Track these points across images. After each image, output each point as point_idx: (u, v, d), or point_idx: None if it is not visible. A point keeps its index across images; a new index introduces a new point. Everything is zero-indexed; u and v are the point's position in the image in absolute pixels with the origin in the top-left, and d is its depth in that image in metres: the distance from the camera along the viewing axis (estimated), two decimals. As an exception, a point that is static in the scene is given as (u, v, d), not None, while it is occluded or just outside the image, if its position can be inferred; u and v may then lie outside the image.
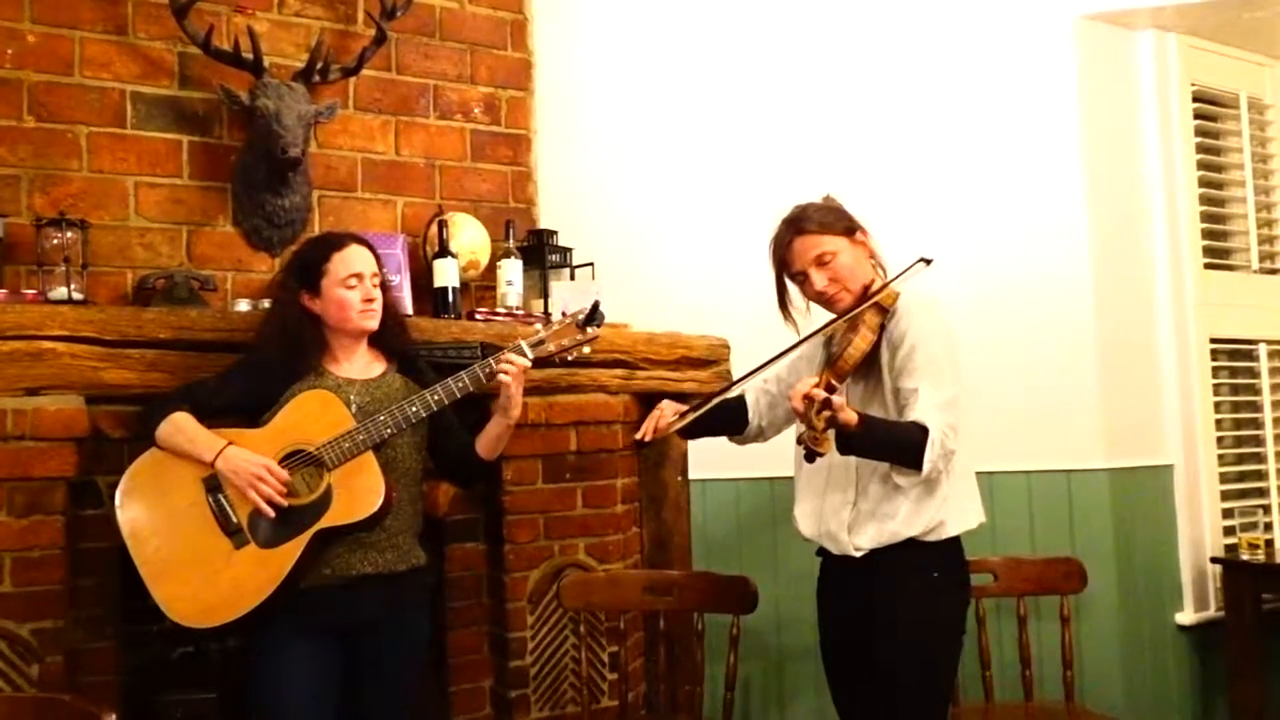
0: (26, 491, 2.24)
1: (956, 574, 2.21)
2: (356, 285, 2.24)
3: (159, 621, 2.13)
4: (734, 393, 2.41)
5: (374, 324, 2.29)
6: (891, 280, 2.19)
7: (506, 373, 2.24)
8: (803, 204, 2.27)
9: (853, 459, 2.13)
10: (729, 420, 2.46)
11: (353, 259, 2.25)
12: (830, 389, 1.95)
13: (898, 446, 2.05)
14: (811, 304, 2.30)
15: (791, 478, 2.34)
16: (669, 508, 3.21)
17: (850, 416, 1.92)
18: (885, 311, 2.15)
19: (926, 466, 2.01)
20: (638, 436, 2.33)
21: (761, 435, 2.50)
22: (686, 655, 2.95)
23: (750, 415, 2.46)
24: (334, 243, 2.29)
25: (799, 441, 1.92)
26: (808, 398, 1.87)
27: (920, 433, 2.01)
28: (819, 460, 2.00)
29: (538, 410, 2.81)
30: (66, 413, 2.26)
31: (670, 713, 3.01)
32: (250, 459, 2.12)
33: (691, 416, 2.29)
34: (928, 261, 2.16)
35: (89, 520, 2.35)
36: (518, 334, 2.58)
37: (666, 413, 2.32)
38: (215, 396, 2.23)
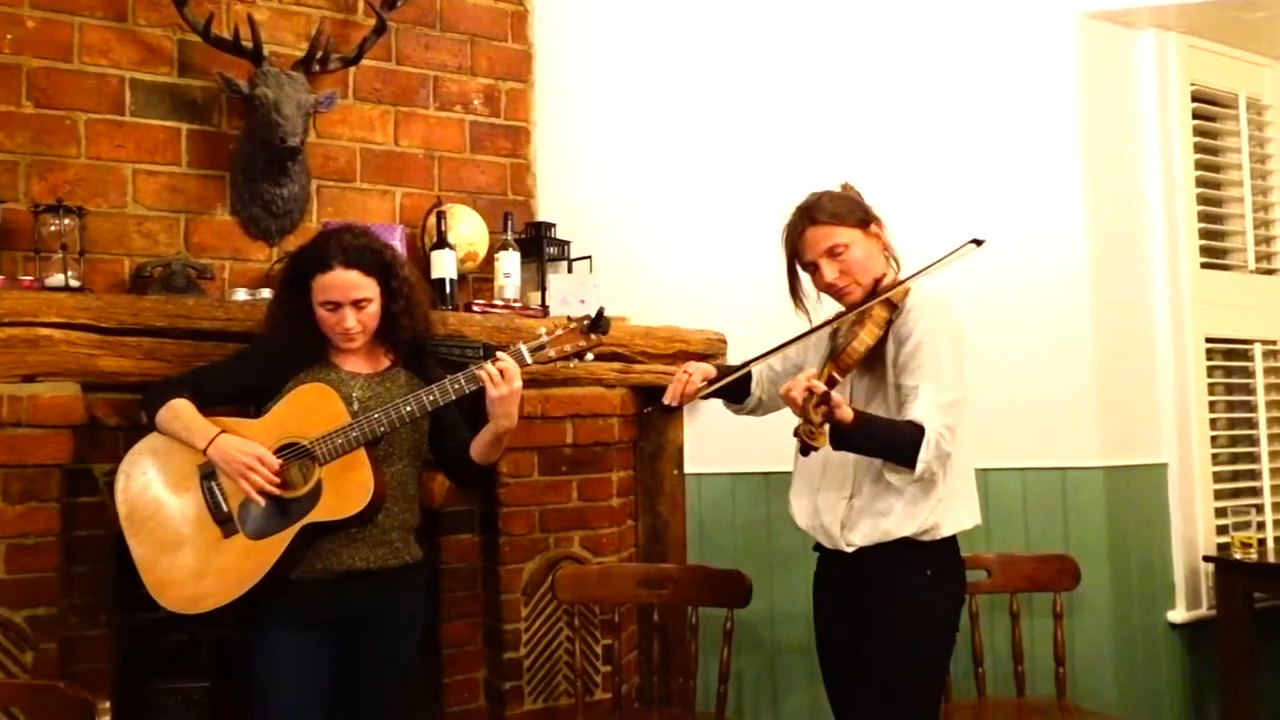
0: (22, 478, 2.25)
1: (950, 572, 2.21)
2: (334, 311, 2.19)
3: (153, 609, 2.13)
4: (757, 367, 2.37)
5: (351, 346, 2.25)
6: (939, 261, 2.12)
7: (492, 380, 2.15)
8: (819, 192, 2.24)
9: (850, 454, 2.12)
10: (734, 388, 2.42)
11: (330, 287, 2.17)
12: (831, 383, 1.93)
13: (892, 445, 2.02)
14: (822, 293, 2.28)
15: (787, 472, 2.34)
16: (664, 501, 3.22)
17: (846, 413, 1.90)
18: (894, 307, 2.14)
19: (920, 467, 1.99)
20: (665, 400, 2.27)
21: (759, 408, 2.49)
22: (680, 648, 2.96)
23: (753, 387, 2.44)
24: (320, 263, 2.18)
25: (795, 434, 1.91)
26: (807, 390, 1.84)
27: (916, 432, 1.99)
28: (815, 454, 2.00)
29: (534, 403, 2.81)
30: (63, 400, 2.26)
31: (664, 706, 3.01)
32: (242, 447, 2.11)
33: (719, 385, 2.26)
34: (979, 243, 2.10)
35: (84, 507, 2.35)
36: (515, 327, 2.58)
37: (695, 378, 2.27)
38: (219, 384, 2.22)
